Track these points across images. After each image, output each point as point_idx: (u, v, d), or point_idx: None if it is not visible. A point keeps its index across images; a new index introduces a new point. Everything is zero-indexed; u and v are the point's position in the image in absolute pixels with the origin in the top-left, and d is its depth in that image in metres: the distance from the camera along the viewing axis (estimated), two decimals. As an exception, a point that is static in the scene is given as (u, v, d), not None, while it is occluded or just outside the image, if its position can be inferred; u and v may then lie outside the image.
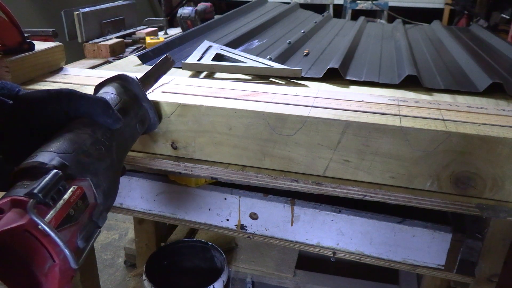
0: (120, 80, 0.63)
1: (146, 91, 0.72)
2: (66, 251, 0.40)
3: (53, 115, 0.55)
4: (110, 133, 0.56)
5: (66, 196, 0.43)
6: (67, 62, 1.07)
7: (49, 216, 0.40)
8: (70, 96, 0.55)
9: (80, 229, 0.45)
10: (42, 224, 0.38)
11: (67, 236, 0.42)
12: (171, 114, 0.72)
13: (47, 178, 0.42)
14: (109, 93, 0.61)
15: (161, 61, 0.82)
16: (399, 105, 0.72)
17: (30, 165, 0.44)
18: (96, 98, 0.56)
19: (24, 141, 0.54)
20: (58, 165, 0.45)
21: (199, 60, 0.97)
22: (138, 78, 0.67)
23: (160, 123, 0.73)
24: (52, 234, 0.39)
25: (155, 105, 0.71)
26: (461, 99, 0.84)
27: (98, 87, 0.64)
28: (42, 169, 0.44)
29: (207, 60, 0.97)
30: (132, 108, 0.62)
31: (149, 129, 0.70)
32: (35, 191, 0.40)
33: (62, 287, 0.40)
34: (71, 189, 0.44)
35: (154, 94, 0.75)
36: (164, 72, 0.82)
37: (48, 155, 0.45)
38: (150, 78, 0.76)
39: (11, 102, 0.55)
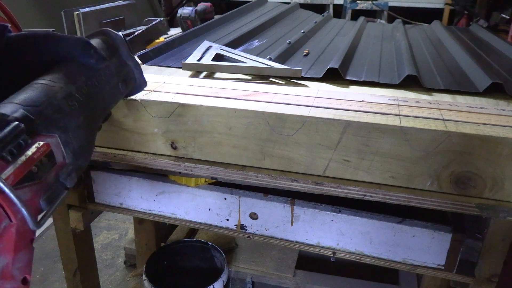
0: (103, 35, 0.59)
1: (135, 52, 0.67)
2: (24, 210, 0.36)
3: (33, 60, 0.51)
4: (93, 77, 0.52)
5: (29, 152, 0.40)
6: (67, 62, 1.07)
7: (7, 171, 0.37)
8: (46, 37, 0.51)
9: (44, 189, 0.42)
10: None
11: (27, 194, 0.39)
12: (171, 114, 0.72)
13: (5, 130, 0.38)
14: None
15: (154, 24, 0.76)
16: (399, 105, 0.72)
17: None
18: (75, 37, 0.52)
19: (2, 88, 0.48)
20: (21, 117, 0.41)
21: (199, 60, 0.97)
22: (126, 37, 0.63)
23: (158, 120, 0.73)
24: (8, 191, 0.35)
25: (154, 105, 0.71)
26: (461, 99, 0.84)
27: None
28: (2, 121, 0.40)
29: (207, 60, 0.97)
30: (114, 64, 0.58)
31: (135, 90, 0.66)
32: None
33: (19, 249, 0.37)
34: (36, 145, 0.41)
35: (153, 93, 0.75)
36: (157, 37, 0.77)
37: (11, 107, 0.42)
38: (139, 39, 0.72)
39: (11, 33, 0.50)
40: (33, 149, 0.40)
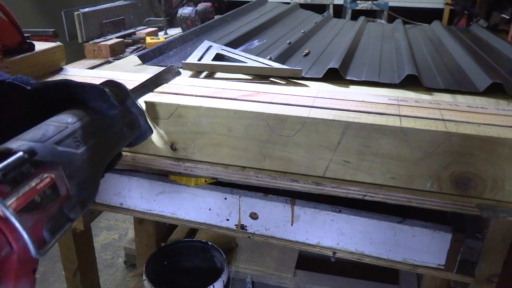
0: (108, 86, 0.62)
1: (139, 97, 0.70)
2: (26, 237, 0.37)
3: (52, 105, 0.56)
4: (98, 120, 0.56)
5: (32, 183, 0.41)
6: (67, 62, 1.07)
7: (9, 198, 0.38)
8: (66, 86, 0.56)
9: (47, 219, 0.42)
10: None
11: (29, 222, 0.40)
12: (171, 115, 0.72)
13: (9, 160, 0.40)
14: None
15: (164, 70, 0.81)
16: (399, 105, 0.72)
17: None
18: (92, 85, 0.57)
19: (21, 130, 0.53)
20: (26, 150, 0.43)
21: (199, 60, 0.97)
22: (139, 83, 0.66)
23: (158, 125, 0.73)
24: (10, 216, 0.36)
25: (154, 106, 0.71)
26: (461, 99, 0.84)
27: None
28: (8, 154, 0.42)
29: (207, 60, 0.97)
30: (119, 110, 0.61)
31: (141, 137, 0.68)
32: None
33: (20, 277, 0.37)
34: (40, 176, 0.42)
35: (153, 94, 0.75)
36: (167, 81, 0.81)
37: (18, 142, 0.44)
38: (148, 86, 0.75)
39: (29, 88, 0.56)
40: (36, 180, 0.42)
